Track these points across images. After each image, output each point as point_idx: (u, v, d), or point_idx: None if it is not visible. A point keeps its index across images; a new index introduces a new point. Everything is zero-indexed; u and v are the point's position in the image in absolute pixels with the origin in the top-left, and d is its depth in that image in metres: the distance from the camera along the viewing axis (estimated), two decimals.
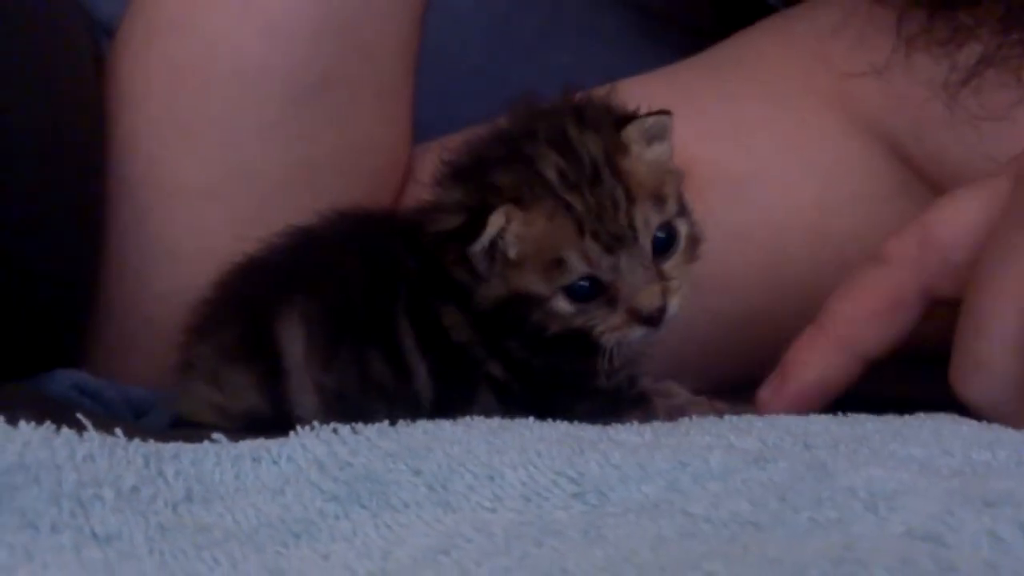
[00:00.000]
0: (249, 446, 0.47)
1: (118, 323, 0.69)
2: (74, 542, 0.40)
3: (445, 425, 0.49)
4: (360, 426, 0.48)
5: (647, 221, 0.54)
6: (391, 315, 0.56)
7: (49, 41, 0.67)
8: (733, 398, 0.59)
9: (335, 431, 0.47)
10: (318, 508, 0.44)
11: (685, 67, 0.75)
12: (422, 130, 0.73)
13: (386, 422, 0.49)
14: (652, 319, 0.54)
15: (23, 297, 0.63)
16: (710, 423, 0.52)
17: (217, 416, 0.56)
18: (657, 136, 0.56)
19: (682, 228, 0.56)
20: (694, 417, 0.54)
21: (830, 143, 0.70)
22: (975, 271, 0.53)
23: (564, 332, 0.55)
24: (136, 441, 0.46)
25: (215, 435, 0.47)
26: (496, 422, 0.50)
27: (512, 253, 0.54)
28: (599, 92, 0.57)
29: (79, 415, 0.46)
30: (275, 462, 0.46)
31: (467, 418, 0.51)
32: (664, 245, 0.55)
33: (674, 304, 0.55)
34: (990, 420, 0.52)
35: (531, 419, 0.51)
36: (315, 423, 0.48)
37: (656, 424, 0.52)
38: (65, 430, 0.44)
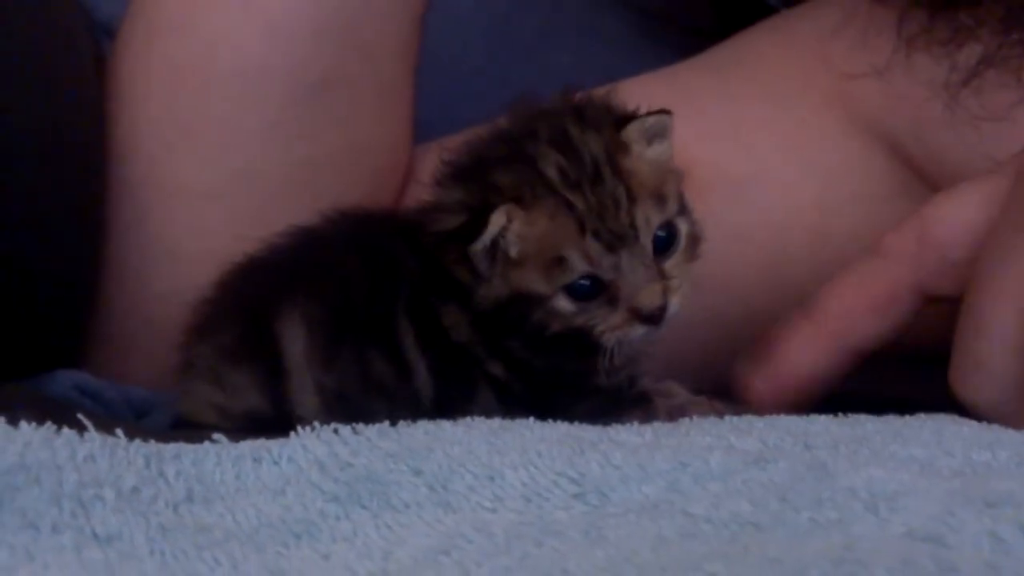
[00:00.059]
0: (250, 446, 0.47)
1: (118, 323, 0.69)
2: (75, 542, 0.40)
3: (446, 426, 0.49)
4: (361, 426, 0.48)
5: (648, 220, 0.54)
6: (392, 315, 0.56)
7: (49, 41, 0.67)
8: (733, 398, 0.59)
9: (336, 431, 0.47)
10: (319, 508, 0.44)
11: (685, 67, 0.75)
12: (422, 130, 0.73)
13: (387, 423, 0.49)
14: (653, 318, 0.54)
15: (23, 297, 0.63)
16: (710, 424, 0.52)
17: (218, 416, 0.56)
18: (657, 135, 0.56)
19: (683, 227, 0.56)
20: (694, 418, 0.54)
21: (830, 143, 0.70)
22: (975, 271, 0.53)
23: (565, 331, 0.55)
24: (137, 442, 0.46)
25: (216, 435, 0.48)
26: (497, 422, 0.50)
27: (513, 252, 0.54)
28: (599, 92, 0.58)
29: (80, 416, 0.46)
30: (276, 462, 0.46)
31: (468, 419, 0.51)
32: (665, 244, 0.55)
33: (675, 303, 0.55)
34: (990, 421, 0.52)
35: (532, 420, 0.51)
36: (316, 423, 0.48)
37: (656, 425, 0.53)
38: (66, 431, 0.44)
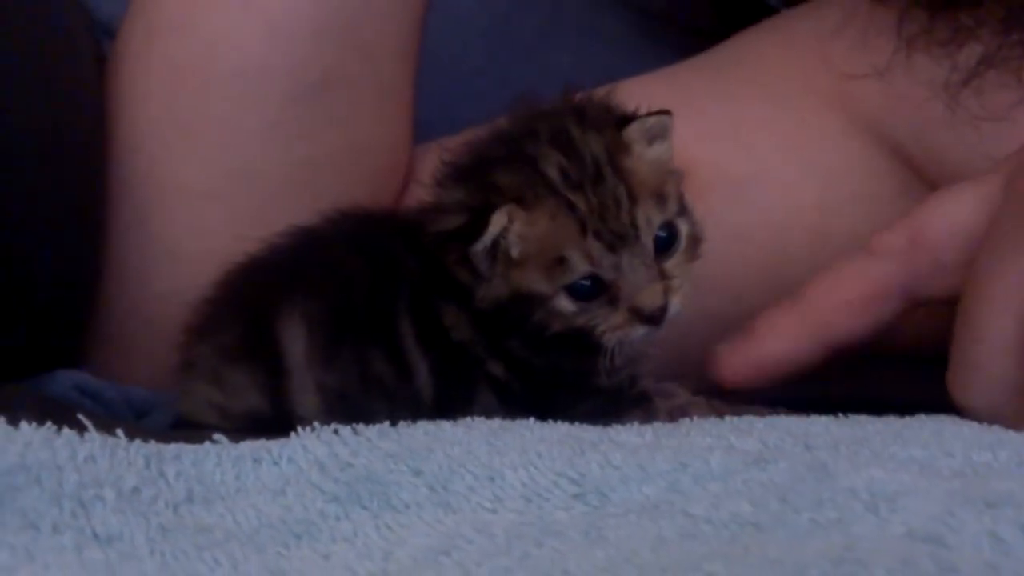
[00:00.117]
0: (250, 447, 0.47)
1: (118, 323, 0.69)
2: (75, 543, 0.40)
3: (446, 426, 0.49)
4: (361, 427, 0.48)
5: (649, 220, 0.54)
6: (392, 314, 0.56)
7: (49, 41, 0.67)
8: (733, 399, 0.59)
9: (336, 432, 0.47)
10: (319, 509, 0.44)
11: (685, 68, 0.75)
12: (422, 130, 0.73)
13: (387, 423, 0.49)
14: (653, 318, 0.54)
15: (23, 297, 0.63)
16: (711, 424, 0.53)
17: (218, 416, 0.56)
18: (658, 136, 0.56)
19: (683, 227, 0.56)
20: (695, 418, 0.55)
21: (830, 144, 0.70)
22: (970, 276, 0.53)
23: (566, 331, 0.55)
24: (137, 442, 0.46)
25: (216, 436, 0.48)
26: (497, 423, 0.50)
27: (514, 253, 0.54)
28: (599, 92, 0.58)
29: (80, 416, 0.46)
30: (276, 463, 0.46)
31: (468, 419, 0.51)
32: (665, 244, 0.55)
33: (675, 303, 0.55)
34: (989, 424, 0.52)
35: (532, 420, 0.51)
36: (316, 424, 0.48)
37: (657, 425, 0.53)
38: (66, 431, 0.45)
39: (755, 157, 0.70)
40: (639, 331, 0.55)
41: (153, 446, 0.46)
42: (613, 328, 0.54)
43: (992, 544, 0.38)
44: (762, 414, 0.55)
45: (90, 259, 0.68)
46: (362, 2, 0.68)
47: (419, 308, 0.56)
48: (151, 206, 0.68)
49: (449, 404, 0.55)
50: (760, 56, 0.73)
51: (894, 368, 0.60)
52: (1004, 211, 0.53)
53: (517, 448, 0.46)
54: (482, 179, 0.55)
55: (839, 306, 0.57)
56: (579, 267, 0.54)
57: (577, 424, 0.51)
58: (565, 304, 0.54)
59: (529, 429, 0.49)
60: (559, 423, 0.51)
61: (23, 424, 0.44)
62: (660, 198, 0.55)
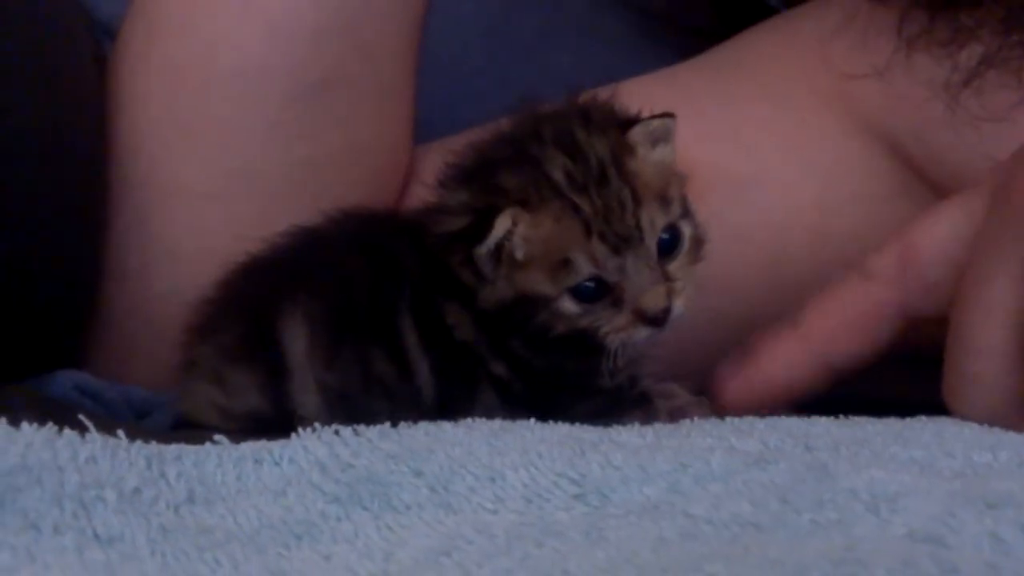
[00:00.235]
0: (251, 447, 0.47)
1: (119, 324, 0.69)
2: (76, 543, 0.40)
3: (446, 427, 0.49)
4: (362, 427, 0.48)
5: (653, 222, 0.54)
6: (394, 314, 0.56)
7: (49, 41, 0.67)
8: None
9: (337, 432, 0.47)
10: (320, 510, 0.44)
11: (685, 68, 0.75)
12: (422, 130, 0.73)
13: (388, 424, 0.49)
14: (657, 320, 0.54)
15: (23, 297, 0.63)
16: (711, 425, 0.53)
17: (219, 416, 0.56)
18: (661, 138, 0.56)
19: (686, 229, 0.56)
20: (695, 419, 0.55)
21: (830, 144, 0.70)
22: (959, 289, 0.53)
23: (569, 332, 0.55)
24: (138, 443, 0.46)
25: (217, 437, 0.48)
26: (497, 424, 0.50)
27: (519, 255, 0.54)
28: (603, 94, 0.58)
29: (81, 416, 0.46)
30: (277, 463, 0.46)
31: (468, 420, 0.51)
32: (669, 246, 0.55)
33: (679, 305, 0.55)
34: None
35: (532, 421, 0.51)
36: (317, 424, 0.48)
37: (657, 426, 0.53)
38: (67, 431, 0.45)
39: (755, 157, 0.70)
40: (642, 333, 0.55)
41: (154, 447, 0.46)
42: (617, 330, 0.55)
43: (993, 545, 0.38)
44: (762, 415, 0.55)
45: (90, 259, 0.68)
46: (362, 2, 0.68)
47: (421, 308, 0.56)
48: (151, 206, 0.68)
49: (451, 404, 0.55)
50: (760, 56, 0.73)
51: (894, 368, 0.59)
52: (991, 219, 0.53)
53: (518, 449, 0.46)
54: (486, 181, 0.55)
55: (838, 330, 0.57)
56: (583, 269, 0.54)
57: (578, 425, 0.51)
58: (569, 306, 0.54)
59: (530, 430, 0.49)
60: (560, 424, 0.51)
61: (24, 425, 0.44)
62: (664, 201, 0.55)
